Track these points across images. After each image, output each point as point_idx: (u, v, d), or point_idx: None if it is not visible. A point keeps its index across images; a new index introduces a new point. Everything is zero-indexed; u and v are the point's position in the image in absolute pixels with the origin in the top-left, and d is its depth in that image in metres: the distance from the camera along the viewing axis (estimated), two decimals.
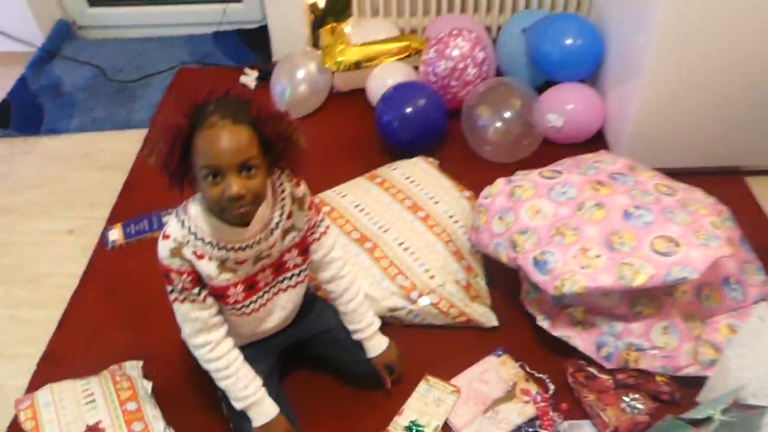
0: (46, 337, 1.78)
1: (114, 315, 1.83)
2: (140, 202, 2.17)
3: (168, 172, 1.18)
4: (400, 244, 1.77)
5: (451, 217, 1.87)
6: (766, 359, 1.35)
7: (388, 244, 1.77)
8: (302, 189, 1.37)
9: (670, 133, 2.06)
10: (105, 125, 2.54)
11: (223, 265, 1.28)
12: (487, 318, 1.73)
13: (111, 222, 2.13)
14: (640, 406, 1.53)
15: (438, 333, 1.74)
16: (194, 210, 1.24)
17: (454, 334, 1.73)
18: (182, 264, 1.24)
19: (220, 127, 1.12)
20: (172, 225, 1.25)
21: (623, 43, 2.11)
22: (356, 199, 1.91)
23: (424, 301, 1.70)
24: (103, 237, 2.07)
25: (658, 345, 1.56)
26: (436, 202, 1.90)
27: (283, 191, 1.33)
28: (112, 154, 2.43)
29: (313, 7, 2.60)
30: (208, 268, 1.26)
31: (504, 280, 1.81)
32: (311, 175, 2.16)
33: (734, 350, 1.43)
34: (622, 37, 2.12)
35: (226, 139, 1.12)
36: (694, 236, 1.52)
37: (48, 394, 1.42)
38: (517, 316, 1.75)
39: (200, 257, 1.25)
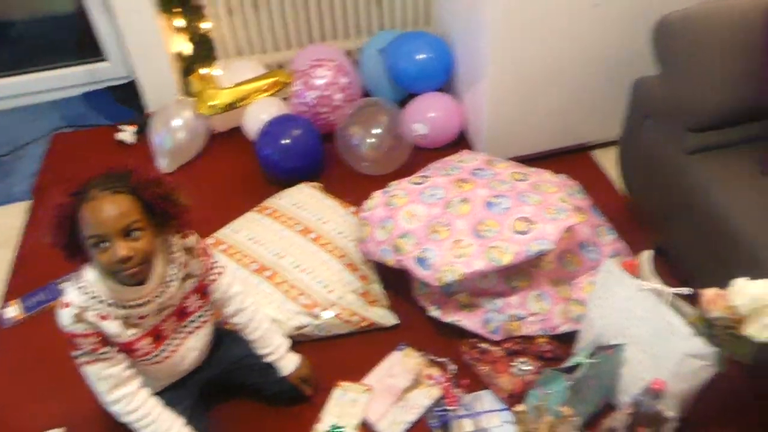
0: None
1: (30, 389, 1.85)
2: (34, 274, 2.17)
3: (61, 248, 1.27)
4: (297, 266, 1.91)
5: (340, 233, 2.03)
6: (618, 306, 1.58)
7: (286, 269, 1.91)
8: (191, 240, 1.48)
9: (520, 124, 2.32)
10: None
11: (127, 322, 1.37)
12: (387, 318, 1.90)
13: (8, 299, 2.12)
14: (528, 367, 1.74)
15: (344, 341, 1.89)
16: (91, 275, 1.32)
17: (360, 339, 1.89)
18: (87, 327, 1.31)
19: (101, 198, 1.23)
20: (71, 292, 1.32)
21: (467, 51, 2.35)
22: (250, 232, 2.03)
23: (328, 315, 1.84)
24: (0, 316, 2.06)
25: (535, 311, 1.78)
26: (325, 222, 2.05)
27: (173, 245, 1.43)
28: None
29: (179, 56, 2.69)
30: (112, 327, 1.34)
31: (397, 282, 1.98)
32: (203, 216, 2.27)
33: (593, 303, 1.66)
34: (465, 46, 2.36)
35: (107, 208, 1.22)
36: (545, 213, 1.75)
37: None
38: (412, 311, 1.93)
39: (104, 318, 1.33)
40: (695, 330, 1.40)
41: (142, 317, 1.39)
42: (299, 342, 1.85)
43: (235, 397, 1.75)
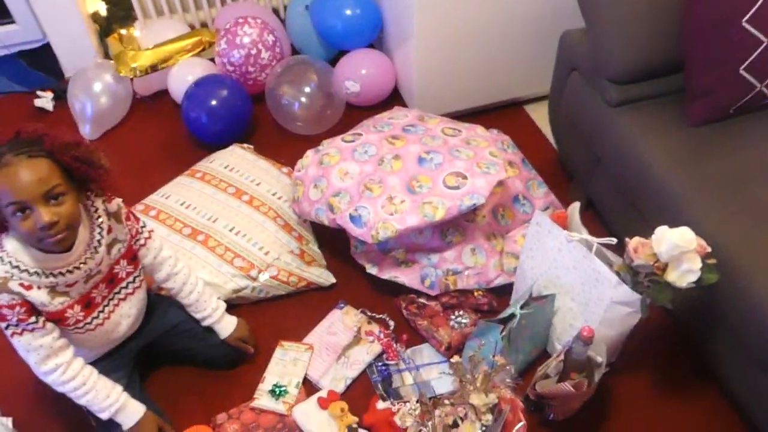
0: None
1: None
2: None
3: None
4: (231, 229, 1.88)
5: (274, 194, 2.00)
6: (547, 256, 1.63)
7: (219, 233, 1.87)
8: (115, 204, 1.43)
9: (450, 80, 2.32)
10: None
11: (53, 290, 1.32)
12: (325, 277, 1.90)
13: None
14: (465, 320, 1.78)
15: (284, 302, 1.88)
16: (11, 245, 1.27)
17: (299, 299, 1.89)
18: (12, 298, 1.26)
19: (16, 164, 1.16)
20: None
21: (395, 8, 2.31)
22: (180, 197, 1.98)
23: (264, 276, 1.83)
24: None
25: (470, 265, 1.81)
26: (258, 184, 2.02)
27: (96, 209, 1.38)
28: None
29: (96, 17, 2.56)
30: (39, 296, 1.29)
31: (334, 241, 1.99)
32: (131, 183, 2.21)
33: (525, 255, 1.71)
34: (393, 3, 2.33)
35: (25, 173, 1.16)
36: (477, 167, 1.77)
37: None
38: (350, 270, 1.94)
39: (28, 288, 1.28)
40: (621, 278, 1.46)
41: (69, 285, 1.35)
42: (238, 305, 1.84)
43: (173, 364, 1.73)
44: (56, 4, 2.45)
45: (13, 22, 2.75)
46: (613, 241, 1.50)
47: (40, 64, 2.73)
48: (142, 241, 1.52)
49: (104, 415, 1.43)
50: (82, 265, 1.34)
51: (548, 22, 2.26)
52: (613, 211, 1.93)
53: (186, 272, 1.60)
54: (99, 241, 1.38)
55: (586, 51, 1.84)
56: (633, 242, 1.43)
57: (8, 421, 1.52)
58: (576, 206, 1.67)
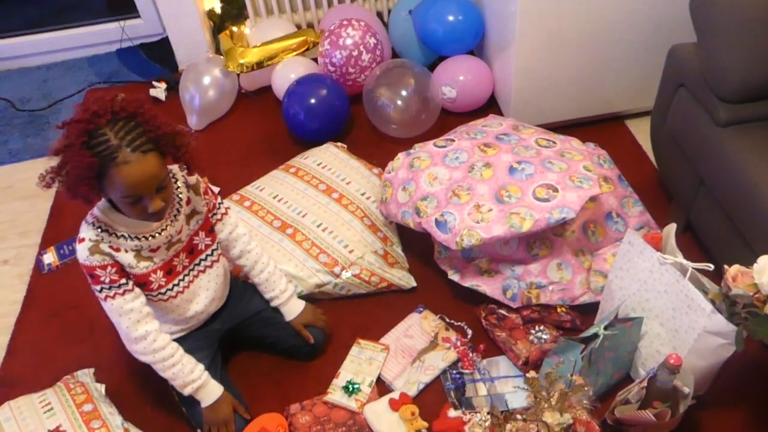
0: None
1: (60, 333, 1.93)
2: (70, 223, 2.25)
3: (78, 199, 1.30)
4: (319, 225, 1.93)
5: (363, 194, 2.04)
6: (637, 277, 1.56)
7: (307, 227, 1.92)
8: (194, 177, 1.53)
9: (550, 90, 2.27)
10: (23, 156, 2.59)
11: (139, 254, 1.42)
12: (407, 280, 1.91)
13: (43, 246, 2.20)
14: (545, 336, 1.74)
15: (364, 301, 1.91)
16: (100, 210, 1.38)
17: (379, 300, 1.91)
18: (103, 259, 1.36)
19: (134, 162, 1.24)
20: (84, 229, 1.37)
21: (496, 13, 2.29)
22: (273, 190, 2.05)
23: (347, 274, 1.86)
24: (38, 262, 2.15)
25: (555, 280, 1.77)
26: (348, 183, 2.05)
27: (176, 181, 1.49)
28: (33, 182, 2.45)
29: (211, 14, 2.69)
30: (126, 258, 1.39)
31: (418, 245, 1.99)
32: (230, 173, 2.32)
33: (614, 274, 1.64)
34: (495, 8, 2.31)
35: (142, 171, 1.25)
36: (569, 180, 1.73)
37: (7, 410, 1.52)
38: (432, 275, 1.94)
39: (117, 250, 1.38)
40: (715, 307, 1.38)
41: (153, 250, 1.44)
42: (319, 300, 1.88)
43: (254, 350, 1.79)
44: (177, 1, 2.60)
45: (138, 16, 2.95)
46: (710, 267, 1.42)
47: (158, 56, 2.91)
48: (218, 216, 1.61)
49: (186, 391, 1.50)
50: (163, 231, 1.44)
51: (656, 34, 2.16)
52: (713, 237, 1.82)
53: (258, 251, 1.68)
54: (179, 209, 1.48)
55: (696, 67, 1.75)
56: (732, 270, 1.35)
57: (102, 387, 1.63)
58: (672, 228, 1.59)
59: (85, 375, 1.68)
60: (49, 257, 2.15)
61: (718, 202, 1.73)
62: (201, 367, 1.52)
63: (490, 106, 2.50)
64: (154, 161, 1.27)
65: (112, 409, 1.55)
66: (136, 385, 1.75)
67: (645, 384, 1.45)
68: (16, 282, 2.11)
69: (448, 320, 1.84)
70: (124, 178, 1.24)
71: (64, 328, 1.94)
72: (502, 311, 1.80)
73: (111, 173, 1.24)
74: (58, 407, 1.51)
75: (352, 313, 1.88)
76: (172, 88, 2.69)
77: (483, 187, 1.75)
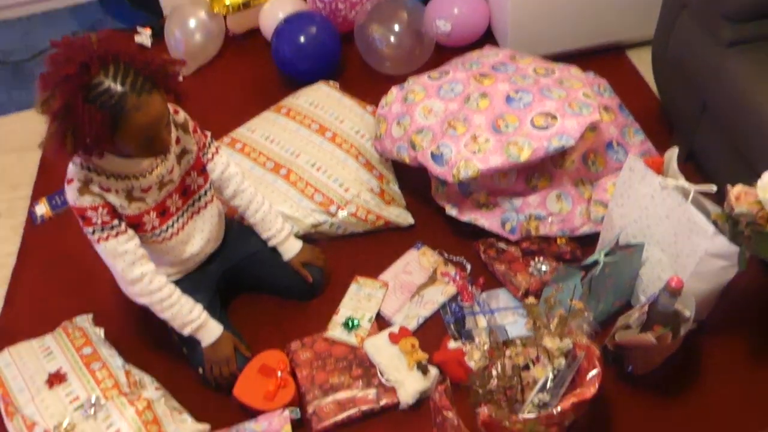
0: None
1: (57, 283, 1.91)
2: (60, 174, 2.18)
3: (88, 155, 1.26)
4: (313, 165, 1.89)
5: (357, 132, 1.99)
6: (638, 204, 1.53)
7: (301, 168, 1.89)
8: (182, 115, 1.49)
9: (547, 20, 2.20)
10: (8, 109, 2.54)
11: (130, 195, 1.38)
12: (404, 217, 1.89)
13: (35, 198, 2.17)
14: (545, 268, 1.72)
15: (361, 239, 1.89)
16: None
17: (376, 238, 1.88)
18: (93, 200, 1.33)
19: (144, 106, 1.20)
20: (71, 170, 1.34)
21: None
22: (265, 131, 2.00)
23: (343, 213, 1.83)
24: (31, 214, 2.12)
25: (554, 212, 1.74)
26: (342, 121, 2.01)
27: None
28: (21, 135, 2.44)
29: None
30: (117, 199, 1.36)
31: (415, 182, 1.96)
32: (221, 117, 2.26)
33: (615, 202, 1.61)
34: None
35: (154, 113, 1.23)
36: (568, 108, 1.68)
37: (7, 356, 1.51)
38: (430, 211, 1.91)
39: (107, 191, 1.35)
40: (718, 228, 1.35)
41: (144, 191, 1.41)
42: (316, 240, 1.86)
43: (253, 292, 1.78)
44: None
45: None
46: (713, 188, 1.39)
47: (141, 2, 2.82)
48: (209, 155, 1.58)
49: (186, 331, 1.49)
50: (154, 171, 1.41)
51: None
52: (716, 164, 1.79)
53: (252, 191, 1.65)
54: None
55: None
56: (736, 189, 1.32)
57: (100, 331, 1.62)
58: (674, 152, 1.55)
59: (84, 320, 1.67)
60: (41, 208, 2.12)
61: (722, 127, 1.69)
62: (199, 306, 1.51)
63: (487, 39, 2.42)
64: (158, 98, 1.24)
65: (112, 351, 1.54)
66: (135, 330, 1.74)
67: (646, 309, 1.44)
68: (9, 234, 2.09)
69: (446, 256, 1.82)
70: (139, 125, 1.21)
71: (60, 278, 1.92)
72: (501, 244, 1.78)
73: (124, 123, 1.20)
74: (58, 351, 1.50)
75: (350, 252, 1.86)
76: (158, 35, 2.61)
77: (479, 117, 1.71)
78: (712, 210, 1.44)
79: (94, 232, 1.36)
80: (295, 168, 1.88)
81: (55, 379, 1.43)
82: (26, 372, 1.46)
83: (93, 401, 1.38)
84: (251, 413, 1.52)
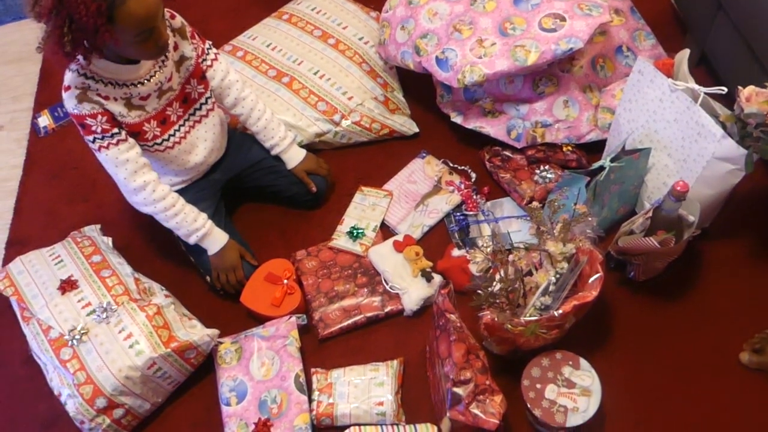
0: (6, 226, 1.88)
1: (64, 193, 1.93)
2: (61, 85, 2.17)
3: (90, 54, 1.24)
4: (316, 72, 1.85)
5: (361, 39, 1.94)
6: (646, 108, 1.50)
7: (304, 75, 1.85)
8: (178, 20, 1.45)
9: None
10: (4, 19, 2.48)
11: (129, 103, 1.37)
12: (408, 126, 1.86)
13: (37, 110, 2.15)
14: (550, 175, 1.71)
15: (365, 149, 1.87)
16: (84, 59, 1.30)
17: (381, 147, 1.87)
18: (93, 107, 1.32)
19: None
20: (69, 77, 1.31)
21: None
22: (267, 38, 1.95)
23: (347, 122, 1.81)
24: (34, 126, 2.11)
25: (561, 118, 1.71)
26: (345, 27, 1.95)
27: None
28: (18, 46, 2.40)
29: None
30: (116, 107, 1.35)
31: (420, 90, 1.92)
32: (222, 25, 2.20)
33: (622, 106, 1.58)
34: None
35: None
36: (578, 9, 1.62)
37: (19, 264, 1.54)
38: (435, 120, 1.88)
39: (106, 98, 1.33)
40: (726, 131, 1.32)
41: (143, 99, 1.39)
42: (320, 150, 1.85)
43: (257, 201, 1.78)
44: None
45: None
46: (723, 90, 1.36)
47: None
48: (209, 62, 1.54)
49: (191, 240, 1.51)
50: (152, 78, 1.38)
51: None
52: (729, 67, 1.73)
53: (253, 98, 1.62)
54: (166, 55, 1.41)
55: None
56: (746, 90, 1.29)
57: (108, 240, 1.64)
58: (685, 54, 1.50)
59: (92, 230, 1.69)
60: (44, 120, 2.10)
61: (737, 26, 1.63)
62: (204, 215, 1.52)
63: None
64: None
65: (121, 259, 1.57)
66: (143, 239, 1.76)
67: (650, 215, 1.44)
68: (14, 147, 2.09)
69: (451, 164, 1.80)
70: (136, 14, 1.18)
71: (67, 189, 1.93)
72: (507, 152, 1.76)
73: (121, 12, 1.17)
74: (68, 259, 1.52)
75: (354, 161, 1.85)
76: None
77: (486, 20, 1.65)
78: (722, 114, 1.41)
79: (94, 140, 1.35)
80: (297, 76, 1.85)
81: (67, 285, 1.46)
82: (39, 279, 1.49)
83: (105, 306, 1.42)
84: (259, 320, 1.56)
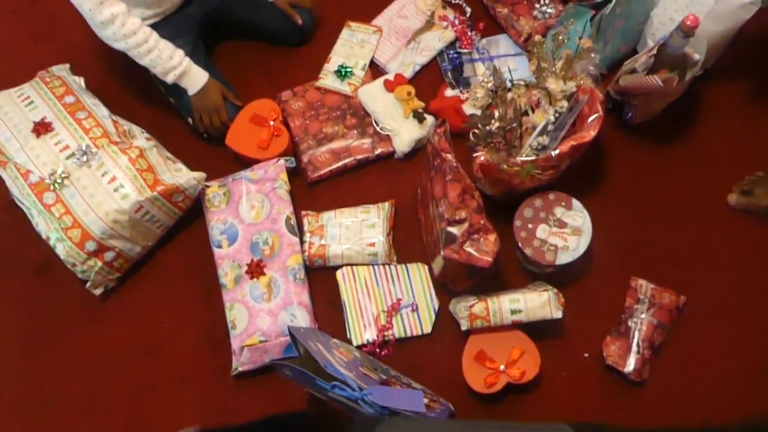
0: None
1: (25, 30, 1.78)
2: None
3: None
4: None
5: None
6: None
7: None
8: None
9: None
10: None
11: None
12: None
13: None
14: (550, 10, 1.60)
15: None
16: None
17: None
18: None
19: None
20: None
21: None
22: None
23: None
24: None
25: None
26: None
27: None
28: None
29: None
30: None
31: None
32: None
33: None
34: None
35: None
36: None
37: None
38: None
39: None
40: None
41: None
42: None
43: (238, 38, 1.67)
44: None
45: None
46: None
47: None
48: None
49: (169, 78, 1.41)
50: None
51: None
52: None
53: None
54: None
55: None
56: None
57: (80, 80, 1.54)
58: None
59: (61, 70, 1.58)
60: None
61: None
62: (180, 52, 1.41)
63: None
64: None
65: (96, 100, 1.48)
66: (118, 81, 1.66)
67: (654, 52, 1.37)
68: None
69: None
70: None
71: (28, 26, 1.78)
72: None
73: None
74: (39, 100, 1.43)
75: None
76: None
77: None
78: None
79: None
80: None
81: (41, 128, 1.38)
82: (9, 121, 1.40)
83: (84, 150, 1.35)
84: (245, 163, 1.51)
